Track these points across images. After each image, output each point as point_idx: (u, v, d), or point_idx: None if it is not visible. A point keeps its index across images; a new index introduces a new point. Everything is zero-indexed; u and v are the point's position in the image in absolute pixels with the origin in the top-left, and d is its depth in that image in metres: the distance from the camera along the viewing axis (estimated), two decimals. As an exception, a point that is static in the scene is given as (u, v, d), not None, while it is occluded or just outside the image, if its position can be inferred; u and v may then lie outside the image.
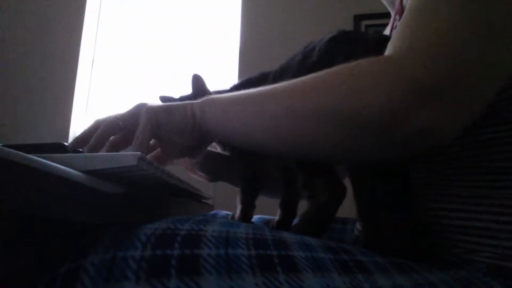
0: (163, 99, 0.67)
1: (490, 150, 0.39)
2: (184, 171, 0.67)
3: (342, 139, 0.36)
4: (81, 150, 0.40)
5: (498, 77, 0.34)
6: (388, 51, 0.35)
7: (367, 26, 1.91)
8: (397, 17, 0.53)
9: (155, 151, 0.56)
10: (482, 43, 0.33)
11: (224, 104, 0.44)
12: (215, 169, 0.64)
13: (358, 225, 0.57)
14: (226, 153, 0.63)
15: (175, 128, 0.45)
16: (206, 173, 0.64)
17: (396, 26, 0.54)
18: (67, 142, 0.35)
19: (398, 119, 0.32)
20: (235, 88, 0.65)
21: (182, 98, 0.65)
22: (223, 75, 2.09)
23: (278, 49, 1.95)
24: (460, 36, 0.32)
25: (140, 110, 0.46)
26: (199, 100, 0.46)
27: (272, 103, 0.39)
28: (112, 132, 0.46)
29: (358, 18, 1.92)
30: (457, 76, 0.32)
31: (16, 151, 0.18)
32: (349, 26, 1.93)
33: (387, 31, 0.64)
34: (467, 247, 0.39)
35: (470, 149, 0.40)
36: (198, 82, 0.64)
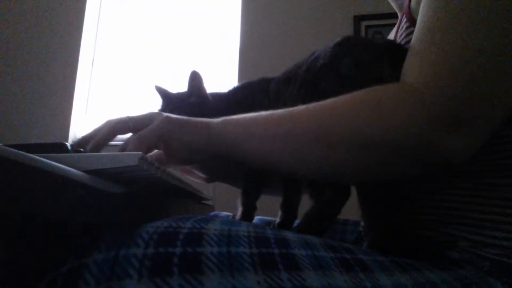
0: (159, 90, 0.67)
1: (498, 148, 0.40)
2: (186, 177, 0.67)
3: (369, 164, 0.38)
4: (82, 150, 0.40)
5: None
6: (409, 75, 0.37)
7: (367, 27, 1.91)
8: (404, 19, 0.53)
9: (154, 152, 0.55)
10: (501, 69, 0.34)
11: (243, 126, 0.43)
12: (215, 170, 0.64)
13: (362, 223, 0.58)
14: None
15: (186, 145, 0.45)
16: (206, 174, 0.64)
17: (402, 27, 0.54)
18: (67, 142, 0.35)
19: (423, 146, 0.34)
20: (235, 92, 0.65)
21: (176, 94, 0.66)
22: (223, 75, 2.09)
23: (278, 49, 1.95)
24: (482, 63, 0.34)
25: (154, 116, 0.45)
26: (217, 120, 0.45)
27: (297, 129, 0.39)
28: (121, 131, 0.46)
29: (358, 19, 1.92)
30: (478, 103, 0.34)
31: (17, 151, 0.18)
32: (349, 26, 1.93)
33: (391, 35, 0.64)
34: (474, 239, 0.39)
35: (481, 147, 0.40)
36: (195, 80, 0.63)
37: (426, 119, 0.34)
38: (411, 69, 0.37)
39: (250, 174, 0.60)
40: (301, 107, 0.40)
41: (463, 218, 0.41)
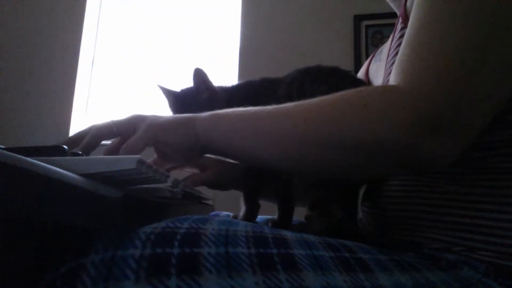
0: (163, 89, 0.68)
1: (494, 152, 0.40)
2: (183, 171, 0.67)
3: (351, 164, 0.38)
4: (80, 153, 0.41)
5: (501, 101, 0.36)
6: (396, 79, 0.37)
7: (367, 27, 1.91)
8: (400, 20, 0.53)
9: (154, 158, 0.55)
10: (485, 75, 0.34)
11: (231, 122, 0.43)
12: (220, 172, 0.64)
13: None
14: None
15: (174, 145, 0.45)
16: (211, 177, 0.63)
17: (398, 28, 0.54)
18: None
19: (408, 148, 0.34)
20: (237, 88, 0.66)
21: (183, 91, 0.66)
22: (223, 75, 2.09)
23: (278, 49, 1.95)
24: (466, 68, 0.34)
25: (137, 121, 0.45)
26: (203, 115, 0.45)
27: (285, 127, 0.39)
28: (105, 136, 0.46)
29: (358, 19, 1.92)
30: (464, 107, 0.34)
31: (15, 155, 0.18)
32: (349, 26, 1.93)
33: (391, 37, 0.64)
34: (467, 245, 0.39)
35: (474, 151, 0.40)
36: (200, 77, 0.63)
37: (410, 122, 0.34)
38: (399, 72, 0.37)
39: (248, 172, 0.60)
40: (290, 104, 0.40)
41: (454, 224, 0.41)
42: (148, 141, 0.44)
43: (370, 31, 1.90)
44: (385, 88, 0.38)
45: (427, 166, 0.37)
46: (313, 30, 1.96)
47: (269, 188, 0.64)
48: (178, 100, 0.67)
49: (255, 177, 0.59)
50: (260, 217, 0.76)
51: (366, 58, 1.85)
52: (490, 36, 0.34)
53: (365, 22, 1.91)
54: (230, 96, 0.64)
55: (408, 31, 0.39)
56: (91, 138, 0.45)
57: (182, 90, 0.68)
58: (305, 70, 0.60)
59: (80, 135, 0.46)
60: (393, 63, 0.53)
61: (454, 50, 0.34)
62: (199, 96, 0.64)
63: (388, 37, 0.70)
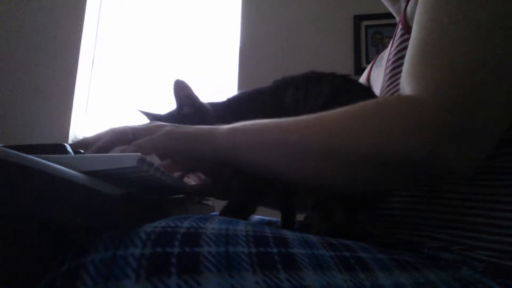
0: (146, 114, 0.62)
1: (492, 152, 0.40)
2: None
3: (370, 176, 0.37)
4: (82, 151, 0.41)
5: None
6: (411, 88, 0.36)
7: (367, 27, 1.91)
8: (400, 26, 0.53)
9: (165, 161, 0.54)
10: (506, 80, 0.34)
11: (253, 134, 0.42)
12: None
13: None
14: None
15: (188, 155, 0.44)
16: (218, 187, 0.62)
17: (398, 34, 0.54)
18: (67, 142, 0.35)
19: (429, 159, 0.34)
20: (230, 103, 0.62)
21: (167, 115, 0.61)
22: (223, 75, 2.09)
23: (278, 49, 1.95)
24: (486, 74, 0.34)
25: (156, 128, 0.45)
26: (224, 128, 0.44)
27: (310, 141, 0.38)
28: (120, 142, 0.45)
29: (358, 19, 1.92)
30: (483, 115, 0.33)
31: (16, 152, 0.18)
32: (349, 26, 1.93)
33: (391, 43, 0.64)
34: (466, 244, 0.39)
35: None
36: (182, 90, 0.57)
37: (431, 132, 0.33)
38: (413, 81, 0.37)
39: (245, 183, 0.55)
40: (310, 117, 0.40)
41: (453, 223, 0.41)
42: (158, 146, 0.43)
43: (370, 31, 1.90)
44: (403, 99, 0.37)
45: (447, 176, 0.36)
46: (313, 30, 1.96)
47: (269, 196, 0.63)
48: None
49: (255, 187, 0.55)
50: (257, 217, 0.76)
51: (366, 58, 1.86)
52: (508, 42, 0.34)
53: (365, 22, 1.91)
54: (222, 112, 0.59)
55: (416, 37, 0.38)
56: (107, 141, 0.44)
57: (166, 113, 0.62)
58: (304, 76, 0.59)
59: (97, 137, 0.45)
60: (392, 68, 0.53)
61: (471, 58, 0.34)
62: (181, 112, 0.58)
63: (388, 37, 0.70)
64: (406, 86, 0.37)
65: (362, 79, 0.79)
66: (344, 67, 1.84)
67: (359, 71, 1.79)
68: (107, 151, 0.44)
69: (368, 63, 1.77)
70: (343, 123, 0.37)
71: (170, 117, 0.60)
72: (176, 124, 0.46)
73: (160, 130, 0.44)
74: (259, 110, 0.58)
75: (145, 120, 0.63)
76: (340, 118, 0.38)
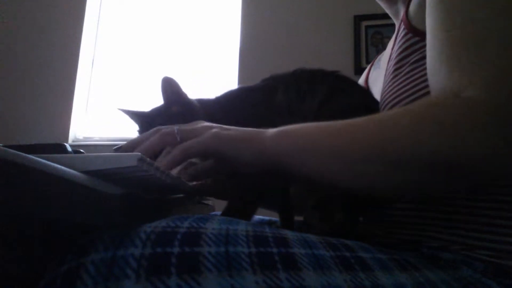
0: (127, 113, 0.60)
1: None
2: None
3: (427, 182, 0.36)
4: (82, 151, 0.40)
5: None
6: (467, 90, 0.34)
7: (367, 27, 1.91)
8: (402, 27, 0.53)
9: (182, 165, 0.51)
10: None
11: (304, 140, 0.41)
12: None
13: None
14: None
15: (233, 160, 0.43)
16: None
17: (400, 35, 0.53)
18: (67, 142, 0.35)
19: (497, 163, 0.33)
20: (220, 100, 0.61)
21: (152, 111, 0.59)
22: (223, 75, 2.09)
23: (278, 49, 1.95)
24: None
25: (203, 130, 0.43)
26: (272, 131, 0.42)
27: (363, 147, 0.37)
28: (167, 143, 0.43)
29: (358, 19, 1.92)
30: None
31: (16, 151, 0.18)
32: (349, 26, 1.93)
33: (390, 43, 0.64)
34: (466, 243, 0.39)
35: None
36: (170, 87, 0.55)
37: (501, 134, 0.32)
38: (466, 83, 0.35)
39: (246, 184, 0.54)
40: (360, 120, 0.38)
41: (453, 222, 0.41)
42: (206, 149, 0.42)
43: (370, 31, 1.90)
44: (460, 102, 0.35)
45: (498, 177, 0.36)
46: (313, 30, 1.96)
47: (268, 198, 0.62)
48: (147, 121, 0.57)
49: (255, 187, 0.53)
50: (257, 217, 0.76)
51: (366, 58, 1.87)
52: None
53: (365, 22, 1.91)
54: (212, 109, 0.58)
55: (456, 42, 0.37)
56: (154, 143, 0.42)
57: (151, 110, 0.59)
58: (293, 74, 0.58)
59: (143, 139, 0.43)
60: (395, 68, 0.52)
61: None
62: (169, 111, 0.56)
63: (388, 37, 0.70)
64: (450, 81, 0.35)
65: (361, 81, 0.79)
66: (344, 67, 1.83)
67: (359, 71, 1.79)
68: (153, 154, 0.43)
69: (368, 63, 1.77)
70: (399, 128, 0.36)
71: (156, 114, 0.58)
72: (222, 125, 0.44)
73: (206, 132, 0.43)
74: (249, 108, 0.58)
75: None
76: (396, 124, 0.36)
